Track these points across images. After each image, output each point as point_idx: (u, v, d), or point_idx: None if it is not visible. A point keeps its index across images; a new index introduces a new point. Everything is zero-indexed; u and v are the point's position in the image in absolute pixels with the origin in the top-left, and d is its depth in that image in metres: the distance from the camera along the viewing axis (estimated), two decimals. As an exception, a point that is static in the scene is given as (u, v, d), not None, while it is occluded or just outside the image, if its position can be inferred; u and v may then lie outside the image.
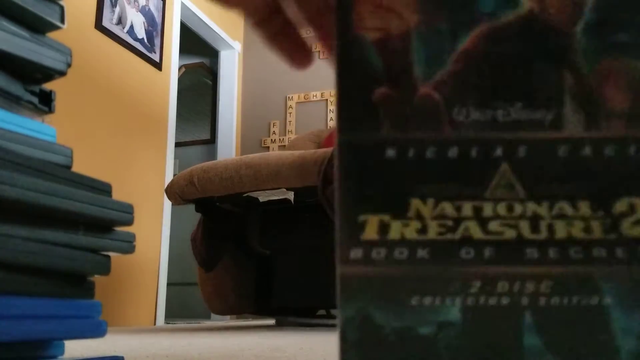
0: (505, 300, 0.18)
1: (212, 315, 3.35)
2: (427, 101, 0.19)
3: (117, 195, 2.34)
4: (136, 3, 2.57)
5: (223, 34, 3.49)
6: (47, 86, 0.36)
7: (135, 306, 2.42)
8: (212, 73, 3.92)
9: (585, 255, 0.18)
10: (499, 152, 0.19)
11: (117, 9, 2.43)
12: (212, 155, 3.78)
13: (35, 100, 0.35)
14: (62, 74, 0.36)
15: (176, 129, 3.47)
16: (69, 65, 0.36)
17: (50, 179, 0.33)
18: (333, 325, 1.83)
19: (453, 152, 0.19)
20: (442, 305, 0.18)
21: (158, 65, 2.69)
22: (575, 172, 0.19)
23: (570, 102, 0.19)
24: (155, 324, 2.55)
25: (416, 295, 0.19)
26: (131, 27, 2.51)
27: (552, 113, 0.19)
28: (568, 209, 0.19)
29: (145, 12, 2.63)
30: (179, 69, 3.84)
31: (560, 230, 0.18)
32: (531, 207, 0.19)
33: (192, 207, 1.82)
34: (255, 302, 2.02)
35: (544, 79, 0.19)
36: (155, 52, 2.67)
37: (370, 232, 0.19)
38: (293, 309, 2.06)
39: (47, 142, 0.35)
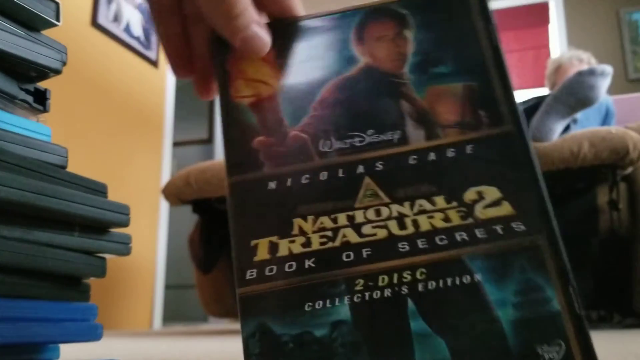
0: (387, 292, 0.21)
1: (210, 318, 3.34)
2: (297, 140, 0.24)
3: (113, 195, 2.33)
4: (133, 0, 2.56)
5: (220, 34, 3.48)
6: (42, 84, 0.36)
7: (132, 309, 2.41)
8: (210, 73, 3.91)
9: (450, 241, 0.21)
10: (360, 169, 0.23)
11: (114, 6, 2.42)
12: (210, 155, 3.78)
13: (29, 99, 0.35)
14: (57, 72, 0.35)
15: (173, 128, 3.45)
16: (64, 64, 0.35)
17: (44, 179, 0.32)
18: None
19: (323, 175, 0.23)
20: (332, 306, 0.21)
21: (155, 63, 2.68)
22: (426, 174, 0.22)
23: (410, 123, 0.23)
24: (151, 327, 2.54)
25: (308, 302, 0.21)
26: (128, 24, 2.50)
27: (398, 133, 0.23)
28: (427, 205, 0.22)
29: (142, 9, 2.62)
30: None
31: (424, 224, 0.22)
32: (395, 208, 0.22)
33: (189, 208, 1.81)
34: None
35: (387, 110, 0.24)
36: (152, 50, 2.66)
37: (262, 253, 0.22)
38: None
39: (42, 142, 0.34)
